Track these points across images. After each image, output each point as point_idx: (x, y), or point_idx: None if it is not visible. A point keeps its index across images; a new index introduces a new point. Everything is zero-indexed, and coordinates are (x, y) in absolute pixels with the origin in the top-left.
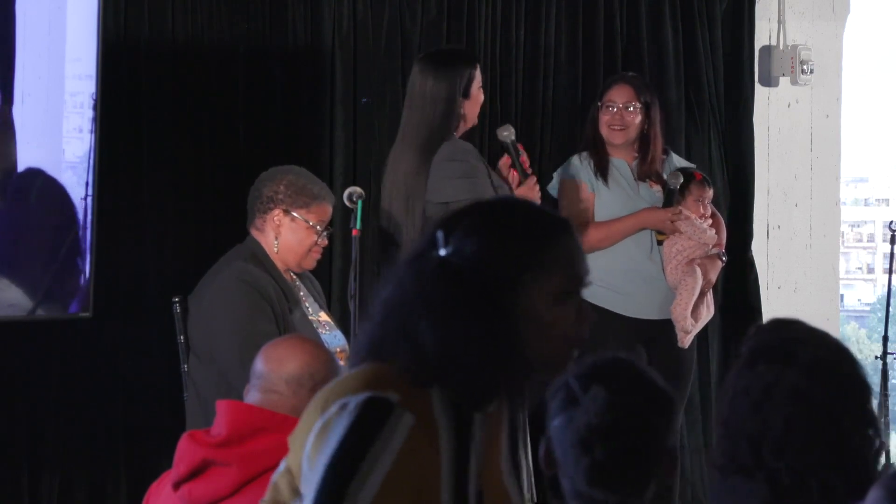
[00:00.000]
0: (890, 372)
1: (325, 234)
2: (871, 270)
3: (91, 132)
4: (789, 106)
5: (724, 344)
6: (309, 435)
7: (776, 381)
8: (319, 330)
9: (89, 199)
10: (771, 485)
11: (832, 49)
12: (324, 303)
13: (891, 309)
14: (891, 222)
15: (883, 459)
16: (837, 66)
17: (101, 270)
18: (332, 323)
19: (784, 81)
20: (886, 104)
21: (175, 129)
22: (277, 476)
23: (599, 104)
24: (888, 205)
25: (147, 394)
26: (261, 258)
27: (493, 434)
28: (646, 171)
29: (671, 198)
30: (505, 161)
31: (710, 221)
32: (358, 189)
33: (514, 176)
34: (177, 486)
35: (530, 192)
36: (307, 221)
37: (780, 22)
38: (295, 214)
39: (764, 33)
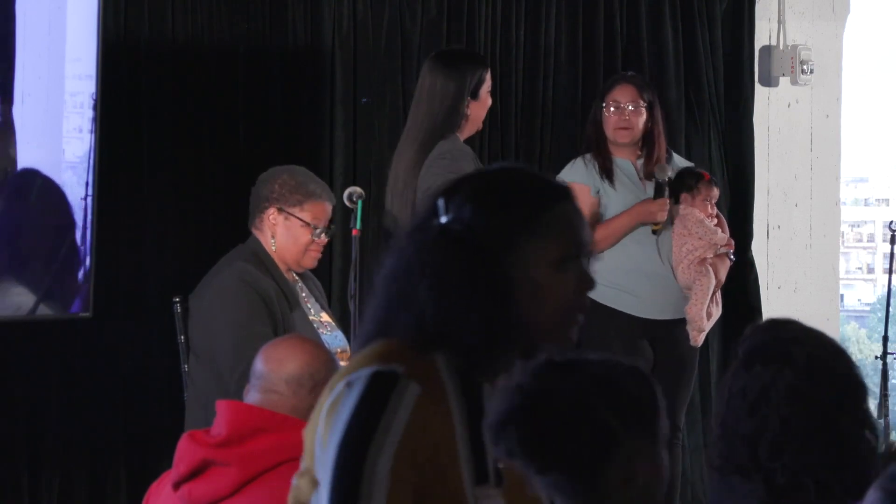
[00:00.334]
0: (890, 372)
1: (322, 232)
2: (871, 270)
3: (91, 132)
4: (789, 106)
5: (724, 344)
6: (319, 418)
7: (773, 381)
8: (321, 330)
9: (89, 199)
10: (768, 485)
11: (832, 49)
12: (325, 303)
13: (891, 309)
14: (891, 222)
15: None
16: (837, 66)
17: (101, 270)
18: (334, 324)
19: (784, 81)
20: (886, 104)
21: (175, 129)
22: (297, 477)
23: (602, 104)
24: (888, 205)
25: (147, 394)
26: (262, 258)
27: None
28: (650, 171)
29: (660, 190)
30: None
31: (716, 221)
32: (358, 189)
33: None
34: (177, 486)
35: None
36: (301, 220)
37: (780, 22)
38: (289, 213)
39: (764, 33)
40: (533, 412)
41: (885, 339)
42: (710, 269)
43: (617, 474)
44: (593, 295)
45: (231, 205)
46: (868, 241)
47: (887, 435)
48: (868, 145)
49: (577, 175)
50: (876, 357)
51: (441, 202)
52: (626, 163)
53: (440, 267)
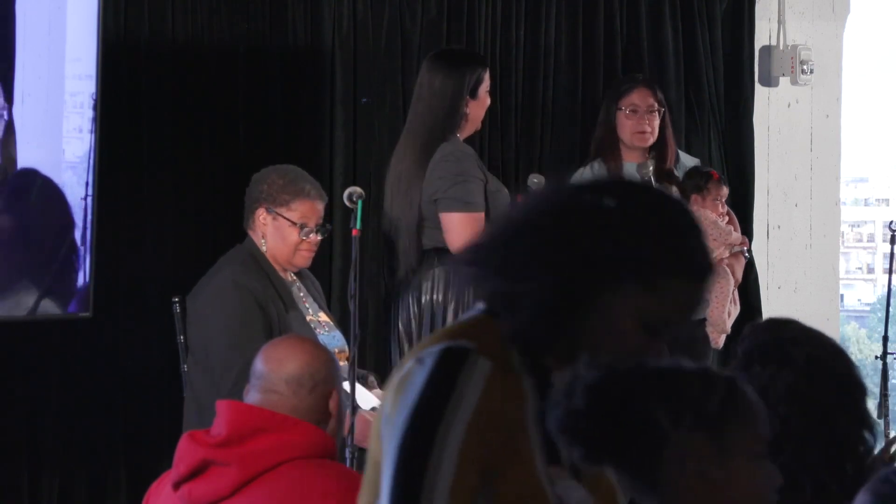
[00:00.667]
0: (890, 372)
1: (311, 231)
2: (871, 270)
3: (91, 132)
4: (789, 106)
5: (725, 344)
6: (387, 396)
7: (771, 381)
8: (318, 330)
9: (89, 199)
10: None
11: (832, 49)
12: (324, 303)
13: (891, 309)
14: (891, 222)
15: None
16: (837, 66)
17: (101, 270)
18: (332, 323)
19: (784, 81)
20: (886, 104)
21: (175, 129)
22: (367, 468)
23: (617, 108)
24: (888, 205)
25: (147, 394)
26: (257, 258)
27: None
28: (663, 174)
29: None
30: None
31: (726, 219)
32: (358, 189)
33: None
34: (177, 486)
35: None
36: (289, 219)
37: (780, 22)
38: (276, 212)
39: (764, 33)
40: (596, 409)
41: (885, 339)
42: (728, 269)
43: (674, 472)
44: None
45: (231, 205)
46: (868, 241)
47: (887, 435)
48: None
49: None
50: (876, 357)
51: (596, 188)
52: (632, 166)
53: (549, 240)
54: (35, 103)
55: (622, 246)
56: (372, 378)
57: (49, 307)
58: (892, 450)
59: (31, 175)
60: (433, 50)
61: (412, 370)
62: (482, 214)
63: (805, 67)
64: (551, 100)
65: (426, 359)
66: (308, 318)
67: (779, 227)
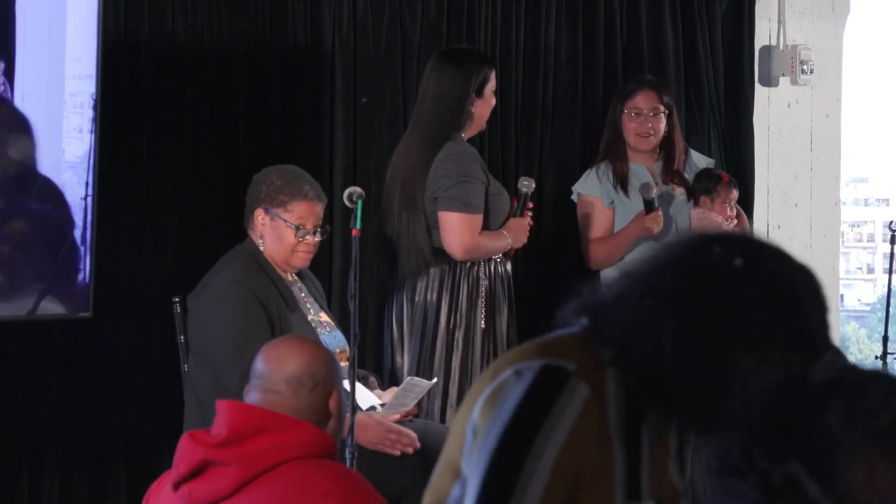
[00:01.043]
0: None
1: (308, 233)
2: (871, 270)
3: (91, 132)
4: (789, 106)
5: None
6: (475, 404)
7: None
8: (319, 330)
9: (89, 199)
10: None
11: (832, 49)
12: (325, 303)
13: (891, 309)
14: (891, 222)
15: None
16: (837, 66)
17: (101, 270)
18: (333, 323)
19: (784, 81)
20: (886, 104)
21: (175, 129)
22: (438, 469)
23: (622, 110)
24: (888, 205)
25: (147, 394)
26: (259, 259)
27: (662, 432)
28: (669, 175)
29: (649, 206)
30: (512, 203)
31: (735, 222)
32: (358, 189)
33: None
34: (177, 486)
35: (521, 224)
36: (285, 220)
37: (780, 22)
38: (274, 213)
39: (764, 33)
40: (778, 410)
41: (885, 339)
42: None
43: (846, 478)
44: None
45: (231, 205)
46: (868, 241)
47: None
48: (868, 145)
49: (590, 188)
50: (876, 357)
51: (731, 248)
52: (641, 169)
53: (688, 288)
54: (35, 103)
55: (743, 313)
56: (373, 378)
57: (49, 307)
58: None
59: (32, 175)
60: (433, 50)
61: (509, 382)
62: (480, 216)
63: (805, 67)
64: (551, 100)
65: (525, 373)
66: (309, 317)
67: (779, 227)
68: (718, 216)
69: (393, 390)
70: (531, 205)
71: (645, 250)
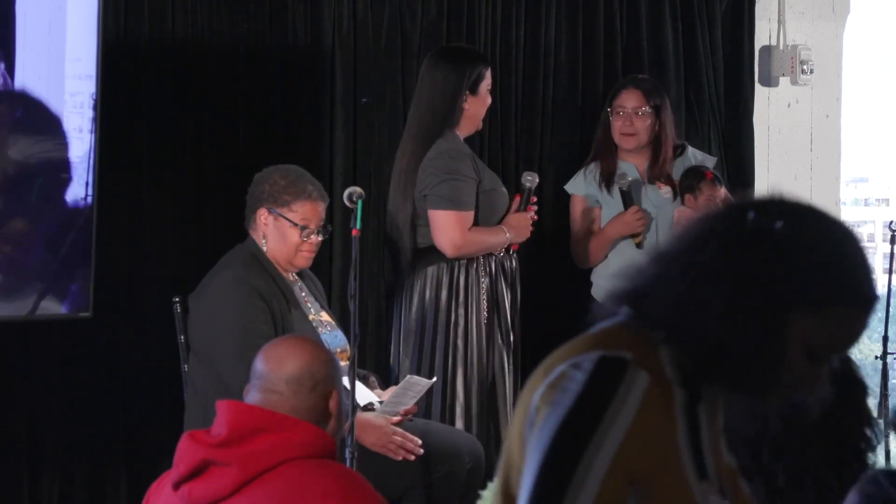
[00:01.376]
0: (890, 372)
1: (312, 232)
2: None
3: (91, 132)
4: (789, 106)
5: None
6: (531, 403)
7: None
8: (320, 330)
9: (89, 199)
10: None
11: (832, 49)
12: (325, 302)
13: (891, 309)
14: (891, 222)
15: (882, 460)
16: (837, 66)
17: (101, 270)
18: (334, 323)
19: (784, 81)
20: (886, 104)
21: (175, 129)
22: (499, 484)
23: (609, 109)
24: (888, 205)
25: (147, 394)
26: (259, 258)
27: (713, 411)
28: (655, 174)
29: (626, 199)
30: (516, 198)
31: None
32: (358, 189)
33: (516, 201)
34: (177, 486)
35: (523, 219)
36: (290, 220)
37: (780, 22)
38: (277, 213)
39: (764, 33)
40: None
41: (885, 339)
42: None
43: None
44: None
45: (231, 205)
46: (868, 241)
47: (886, 434)
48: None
49: (577, 187)
50: (876, 357)
51: (758, 213)
52: (630, 167)
53: (732, 256)
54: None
55: (793, 274)
56: (373, 378)
57: (49, 307)
58: None
59: (32, 175)
60: (433, 50)
61: (567, 375)
62: (471, 213)
63: (805, 67)
64: (551, 100)
65: (583, 365)
66: (310, 317)
67: None
68: (696, 213)
69: (393, 389)
70: (535, 199)
71: (627, 250)
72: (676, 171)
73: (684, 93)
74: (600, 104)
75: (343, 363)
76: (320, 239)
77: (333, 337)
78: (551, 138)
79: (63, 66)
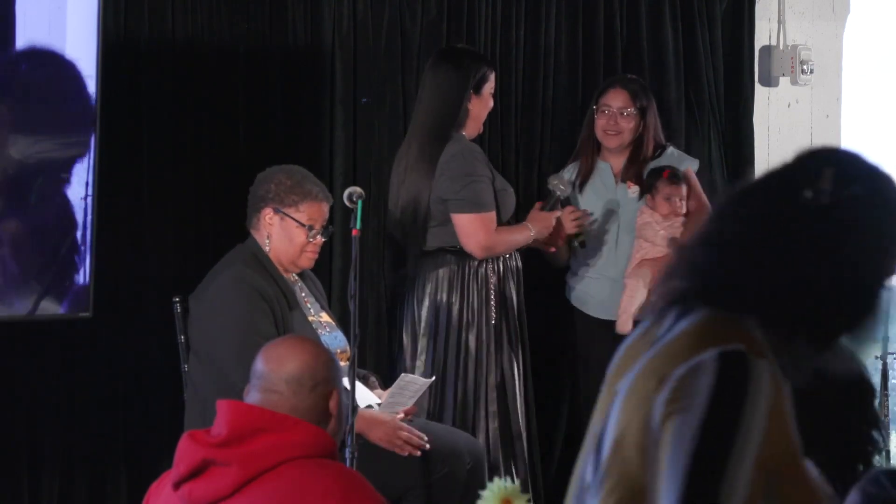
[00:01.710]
0: (890, 372)
1: (318, 232)
2: None
3: (91, 132)
4: (789, 106)
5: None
6: (649, 414)
7: None
8: (320, 331)
9: (89, 199)
10: None
11: (832, 49)
12: (325, 303)
13: (890, 309)
14: None
15: (883, 460)
16: (837, 66)
17: (101, 270)
18: (334, 324)
19: (784, 81)
20: (886, 104)
21: (175, 129)
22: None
23: (595, 107)
24: None
25: (147, 394)
26: (260, 259)
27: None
28: (628, 174)
29: (552, 202)
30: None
31: (681, 219)
32: (358, 189)
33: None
34: (177, 485)
35: (546, 216)
36: (297, 220)
37: (780, 22)
38: (285, 213)
39: (764, 33)
40: None
41: (885, 339)
42: (647, 271)
43: None
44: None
45: (231, 205)
46: None
47: (888, 434)
48: (868, 145)
49: (554, 187)
50: (876, 357)
51: (817, 176)
52: (606, 166)
53: (800, 236)
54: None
55: (868, 234)
56: (373, 378)
57: (49, 307)
58: None
59: (32, 174)
60: (433, 50)
61: (691, 376)
62: (493, 213)
63: (805, 67)
64: (551, 100)
65: (704, 365)
66: (310, 318)
67: None
68: (649, 215)
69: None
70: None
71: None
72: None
73: (684, 93)
74: None
75: (343, 364)
76: (323, 240)
77: (333, 338)
78: (551, 138)
79: None
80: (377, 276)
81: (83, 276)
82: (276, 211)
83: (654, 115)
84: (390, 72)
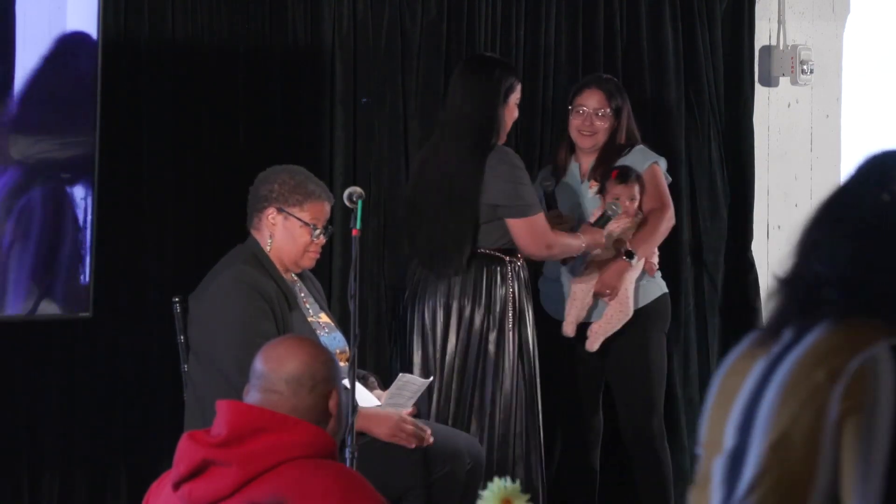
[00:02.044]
0: None
1: (321, 232)
2: None
3: (91, 132)
4: (789, 106)
5: (724, 344)
6: (823, 407)
7: None
8: (318, 331)
9: (89, 199)
10: None
11: (832, 49)
12: (325, 304)
13: None
14: None
15: None
16: (837, 66)
17: (101, 270)
18: (332, 324)
19: (784, 81)
20: (886, 104)
21: (175, 129)
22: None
23: (570, 107)
24: None
25: (147, 394)
26: (261, 259)
27: None
28: (594, 173)
29: (603, 221)
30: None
31: (632, 220)
32: (358, 189)
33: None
34: (177, 486)
35: (597, 231)
36: (301, 220)
37: (780, 22)
38: (289, 213)
39: (764, 33)
40: None
41: None
42: (594, 274)
43: None
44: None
45: (231, 205)
46: None
47: None
48: (868, 145)
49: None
50: None
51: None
52: (576, 166)
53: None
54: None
55: None
56: (373, 378)
57: (49, 307)
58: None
59: (31, 174)
60: (433, 50)
61: (868, 369)
62: (543, 214)
63: (805, 67)
64: (551, 100)
65: (882, 356)
66: (309, 319)
67: (779, 227)
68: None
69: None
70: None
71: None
72: None
73: (684, 93)
74: None
75: (342, 364)
76: (325, 240)
77: (332, 339)
78: (551, 138)
79: None
80: (377, 276)
81: (83, 276)
82: (280, 210)
83: (629, 115)
84: (390, 72)
